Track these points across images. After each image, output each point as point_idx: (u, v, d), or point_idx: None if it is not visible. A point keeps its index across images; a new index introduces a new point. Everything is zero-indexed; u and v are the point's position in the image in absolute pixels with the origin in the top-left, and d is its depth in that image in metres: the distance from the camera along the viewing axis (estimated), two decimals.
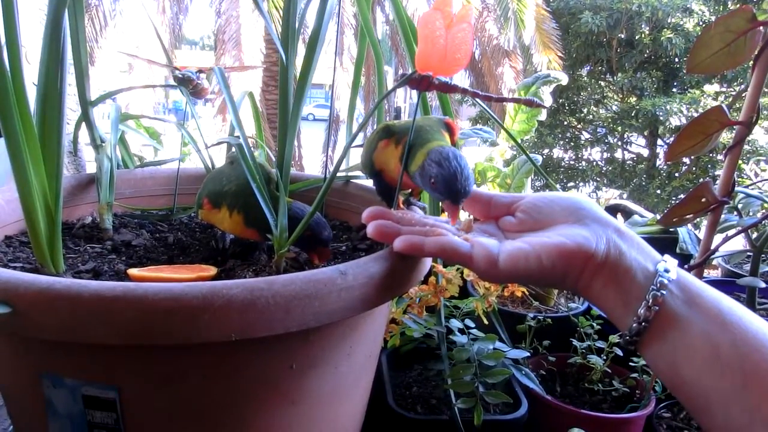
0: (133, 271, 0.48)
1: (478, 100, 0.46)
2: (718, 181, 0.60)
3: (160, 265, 0.55)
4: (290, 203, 0.53)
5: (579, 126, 7.36)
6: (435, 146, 0.44)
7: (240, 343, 0.36)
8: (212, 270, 0.51)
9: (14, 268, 0.49)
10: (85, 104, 0.70)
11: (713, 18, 5.79)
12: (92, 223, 0.64)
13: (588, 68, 7.18)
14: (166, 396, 0.38)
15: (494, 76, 6.78)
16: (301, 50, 0.55)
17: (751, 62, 0.53)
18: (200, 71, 0.70)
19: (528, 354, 0.65)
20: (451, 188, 0.42)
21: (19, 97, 0.45)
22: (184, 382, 0.38)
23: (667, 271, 0.39)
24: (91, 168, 1.04)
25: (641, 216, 0.89)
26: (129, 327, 0.34)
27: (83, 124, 0.71)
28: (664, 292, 0.38)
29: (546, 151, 7.36)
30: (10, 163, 0.66)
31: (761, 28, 0.49)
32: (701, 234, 0.68)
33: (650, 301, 0.38)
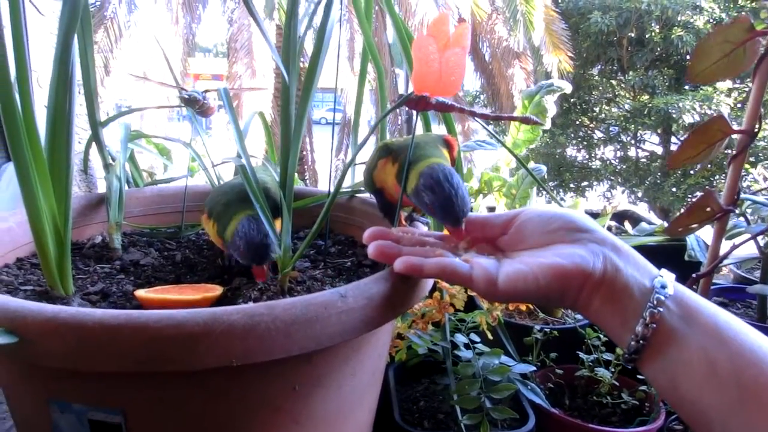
0: (140, 293, 0.49)
1: (475, 118, 0.46)
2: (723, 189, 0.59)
3: (167, 284, 0.56)
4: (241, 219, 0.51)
5: (591, 125, 7.29)
6: (425, 167, 0.44)
7: (242, 368, 0.37)
8: (218, 290, 0.51)
9: (25, 290, 0.50)
10: (95, 125, 0.71)
11: (723, 15, 5.70)
12: (102, 242, 0.66)
13: (599, 67, 7.11)
14: (171, 420, 0.39)
15: (505, 78, 6.76)
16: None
17: (752, 71, 0.52)
18: (206, 91, 0.71)
19: (534, 368, 0.64)
20: (449, 213, 0.42)
21: (27, 121, 0.46)
22: (187, 407, 0.39)
23: (663, 286, 0.39)
24: (102, 185, 1.06)
25: (649, 223, 0.88)
26: (132, 354, 0.35)
27: (92, 143, 0.72)
28: (661, 309, 0.38)
29: (559, 151, 7.30)
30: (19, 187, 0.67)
31: (760, 38, 0.48)
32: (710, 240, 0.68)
33: (647, 318, 0.38)
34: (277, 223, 0.53)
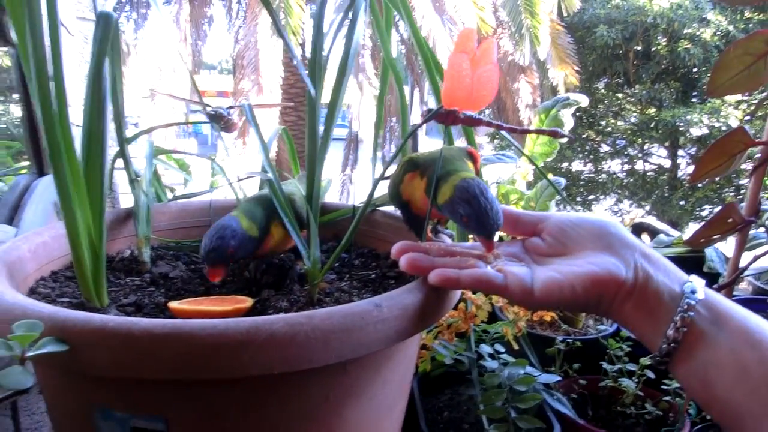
0: (173, 305, 0.50)
1: (503, 131, 0.47)
2: (744, 201, 0.60)
3: (197, 296, 0.57)
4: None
5: (598, 138, 7.30)
6: (460, 180, 0.45)
7: (281, 376, 0.37)
8: (248, 301, 0.52)
9: (62, 303, 0.51)
10: (122, 141, 0.73)
11: (730, 27, 5.72)
12: (131, 256, 0.67)
13: (605, 81, 7.15)
14: (211, 427, 0.40)
15: (510, 92, 6.80)
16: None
17: None
18: (231, 107, 0.73)
19: (559, 378, 0.65)
20: (484, 226, 0.43)
21: (66, 140, 0.48)
22: (227, 414, 0.40)
23: (693, 291, 0.40)
24: (125, 201, 1.08)
25: (667, 235, 0.89)
26: (177, 362, 0.36)
27: (117, 160, 0.74)
28: (691, 314, 0.39)
29: (565, 164, 7.30)
30: (54, 202, 0.70)
31: None
32: (729, 251, 0.68)
33: (678, 322, 0.39)
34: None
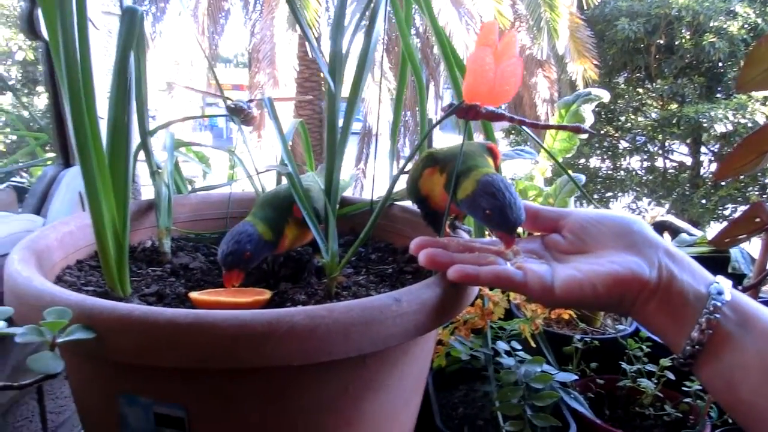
0: (194, 295, 0.51)
1: (524, 127, 0.47)
2: None
3: (216, 287, 0.58)
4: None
5: (617, 135, 7.18)
6: (483, 175, 0.45)
7: (301, 368, 0.38)
8: (267, 293, 0.53)
9: (87, 291, 0.52)
10: (144, 134, 0.74)
11: (759, 20, 5.55)
12: (152, 246, 0.68)
13: (625, 75, 7.02)
14: (230, 416, 0.41)
15: (528, 87, 6.72)
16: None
17: None
18: (251, 101, 0.73)
19: (576, 377, 0.64)
20: (507, 220, 0.43)
21: (93, 132, 0.48)
22: (246, 404, 0.40)
23: (720, 293, 0.40)
24: (146, 192, 1.10)
25: (689, 234, 0.87)
26: (199, 352, 0.36)
27: (140, 152, 0.75)
28: (717, 315, 0.39)
29: (582, 161, 7.21)
30: (80, 193, 0.71)
31: None
32: (754, 251, 0.67)
33: (703, 324, 0.39)
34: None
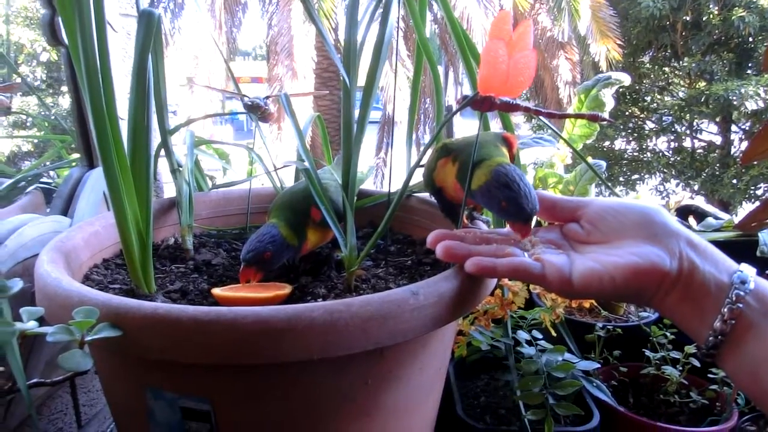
0: (216, 291, 0.52)
1: (541, 117, 0.46)
2: None
3: (238, 282, 0.59)
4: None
5: (642, 115, 6.99)
6: (497, 165, 0.45)
7: (321, 361, 0.39)
8: (287, 288, 0.54)
9: (113, 290, 0.54)
10: (164, 133, 0.76)
11: None
12: (175, 244, 0.70)
13: (650, 54, 6.81)
14: (253, 410, 0.42)
15: (549, 70, 6.59)
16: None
17: None
18: (267, 97, 0.74)
19: (598, 365, 0.64)
20: (521, 210, 0.42)
21: (114, 133, 0.50)
22: (268, 397, 0.41)
23: (743, 282, 0.39)
24: (168, 190, 1.12)
25: (716, 218, 0.85)
26: (221, 347, 0.37)
27: (160, 151, 0.76)
28: (740, 305, 0.38)
29: (606, 143, 7.05)
30: (104, 194, 0.73)
31: None
32: None
33: (726, 314, 0.38)
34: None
